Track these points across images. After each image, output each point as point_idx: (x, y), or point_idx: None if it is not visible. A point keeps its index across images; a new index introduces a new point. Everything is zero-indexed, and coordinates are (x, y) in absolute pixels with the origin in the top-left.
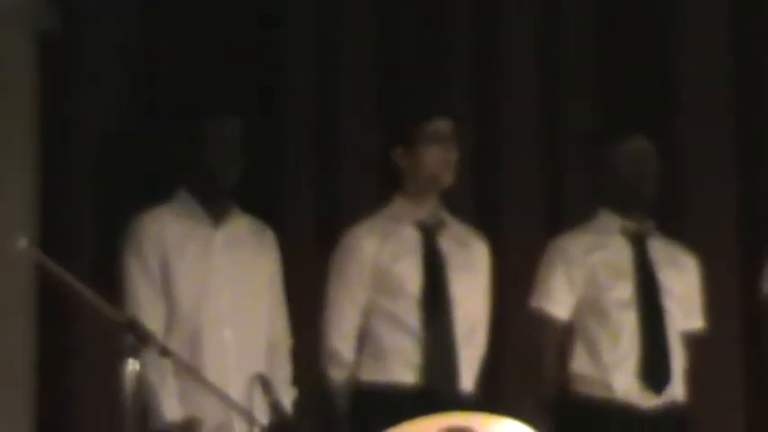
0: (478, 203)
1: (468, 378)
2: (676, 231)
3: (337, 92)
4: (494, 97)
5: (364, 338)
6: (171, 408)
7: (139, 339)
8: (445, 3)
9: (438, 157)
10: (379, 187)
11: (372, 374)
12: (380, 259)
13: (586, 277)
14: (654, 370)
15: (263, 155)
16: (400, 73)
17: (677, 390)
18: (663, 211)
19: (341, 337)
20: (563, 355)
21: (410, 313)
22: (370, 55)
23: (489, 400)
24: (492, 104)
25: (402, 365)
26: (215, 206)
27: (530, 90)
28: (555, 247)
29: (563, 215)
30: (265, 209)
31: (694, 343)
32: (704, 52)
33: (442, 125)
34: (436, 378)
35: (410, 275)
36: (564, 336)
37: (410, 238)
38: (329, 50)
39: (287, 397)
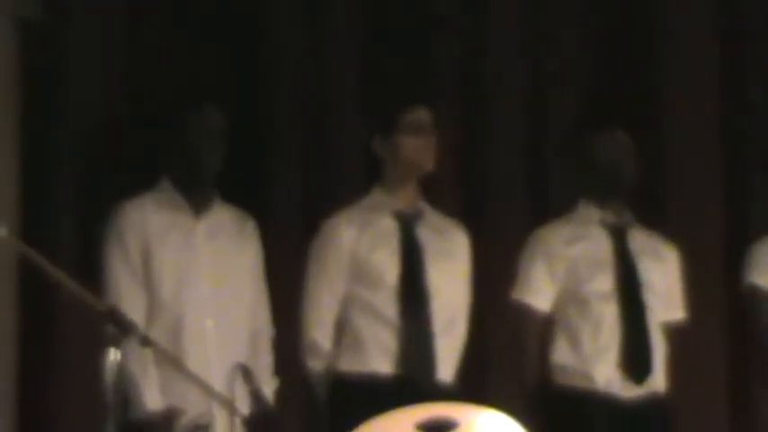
0: (463, 196)
1: (447, 368)
2: (659, 223)
3: (325, 84)
4: (480, 92)
5: (342, 328)
6: (152, 397)
7: (120, 329)
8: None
9: (417, 146)
10: (365, 179)
11: (350, 364)
12: (358, 249)
13: (567, 269)
14: (635, 361)
15: (248, 145)
16: (386, 66)
17: (658, 380)
18: (646, 203)
19: (319, 328)
20: (544, 346)
21: (388, 303)
22: (358, 48)
23: (472, 390)
24: (478, 98)
25: (379, 355)
26: (197, 196)
27: (515, 86)
28: (535, 238)
29: (547, 207)
30: (249, 199)
31: (676, 334)
32: (690, 49)
33: (422, 114)
34: (413, 368)
35: (388, 265)
36: (545, 327)
37: (388, 227)
38: (318, 43)
39: (268, 387)
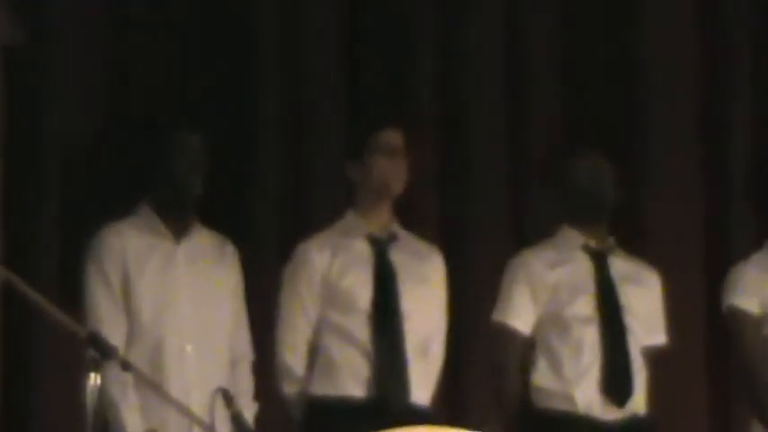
0: (443, 220)
1: (422, 391)
2: (641, 248)
3: (305, 108)
4: (461, 116)
5: (316, 352)
6: (132, 421)
7: (101, 353)
8: (412, 23)
9: (387, 168)
10: (343, 206)
11: (324, 388)
12: (330, 273)
13: (549, 292)
14: (615, 384)
15: (228, 171)
16: (365, 91)
17: (639, 403)
18: (627, 228)
19: (292, 353)
20: (525, 368)
21: (360, 328)
22: (340, 71)
23: (453, 413)
24: (459, 123)
25: (352, 379)
26: (177, 220)
27: (496, 111)
28: (517, 262)
29: (527, 232)
30: (229, 224)
31: (659, 357)
32: (670, 73)
33: (392, 136)
34: (386, 391)
35: (360, 289)
36: (526, 350)
37: (361, 251)
38: (297, 65)
39: (249, 411)
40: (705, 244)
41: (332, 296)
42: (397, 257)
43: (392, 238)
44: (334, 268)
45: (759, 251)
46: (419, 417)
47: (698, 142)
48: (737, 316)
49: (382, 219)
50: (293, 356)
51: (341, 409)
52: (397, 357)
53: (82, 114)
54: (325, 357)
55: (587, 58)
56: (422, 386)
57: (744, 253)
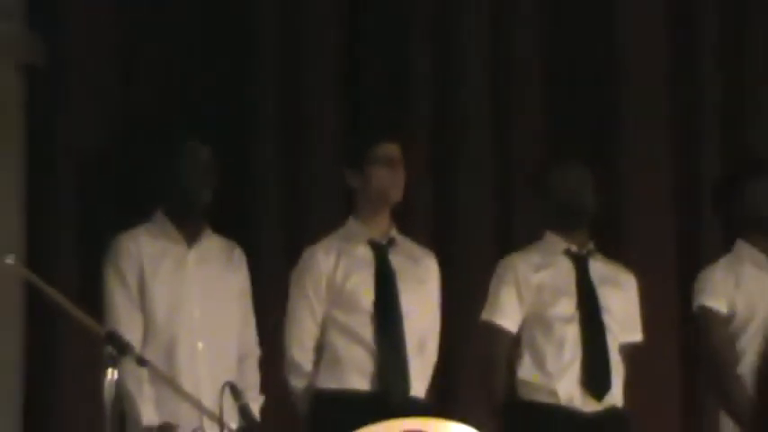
0: (435, 226)
1: (420, 385)
2: (619, 253)
3: (303, 122)
4: (451, 132)
5: (322, 349)
6: (147, 413)
7: (118, 350)
8: (407, 43)
9: (386, 177)
10: (342, 212)
11: (330, 382)
12: (335, 276)
13: (533, 293)
14: (595, 378)
15: (238, 180)
16: (361, 105)
17: (616, 396)
18: (606, 234)
19: (300, 349)
20: (511, 364)
21: (363, 325)
22: (338, 87)
23: (444, 405)
24: (449, 138)
25: (356, 374)
26: (188, 226)
27: (484, 125)
28: (505, 265)
29: (511, 238)
30: (238, 229)
31: (635, 354)
32: (645, 89)
33: (390, 148)
34: (388, 385)
35: (363, 290)
36: (512, 346)
37: (363, 255)
38: (297, 82)
39: (255, 403)
40: (677, 249)
41: (337, 297)
42: (396, 261)
43: (391, 242)
44: (338, 271)
45: (726, 256)
46: (418, 409)
47: (671, 156)
48: (707, 315)
49: (382, 225)
50: (301, 353)
51: (345, 401)
52: (399, 354)
53: (99, 127)
54: (331, 353)
55: (569, 76)
56: (419, 380)
57: (712, 257)
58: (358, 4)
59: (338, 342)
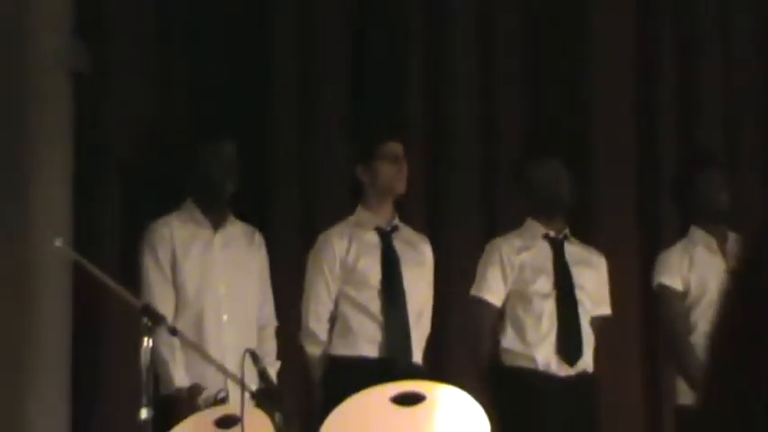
0: (430, 214)
1: (417, 353)
2: (590, 237)
3: (315, 123)
4: (442, 128)
5: (335, 321)
6: (179, 376)
7: (153, 321)
8: (404, 47)
9: (392, 172)
10: (348, 201)
11: (342, 350)
12: (347, 257)
13: (516, 273)
14: (568, 347)
15: (259, 173)
16: (366, 109)
17: (587, 362)
18: (579, 221)
19: (317, 320)
20: (496, 334)
21: (372, 300)
22: (344, 87)
23: (437, 370)
24: (440, 135)
25: (366, 342)
26: (214, 214)
27: (471, 125)
28: (491, 247)
29: (496, 224)
30: (260, 216)
31: (604, 325)
32: (612, 89)
33: (395, 146)
34: (394, 352)
35: (371, 270)
36: (497, 319)
37: (371, 240)
38: (308, 88)
39: (273, 368)
40: (639, 233)
41: (349, 275)
42: (399, 245)
43: (394, 229)
44: (350, 253)
45: (681, 240)
46: (418, 373)
47: (634, 151)
48: (665, 292)
49: (387, 214)
50: (317, 323)
51: (356, 366)
52: (403, 325)
53: (139, 127)
54: (343, 324)
55: (546, 80)
56: (417, 348)
57: (670, 240)
58: (361, 11)
59: (350, 314)
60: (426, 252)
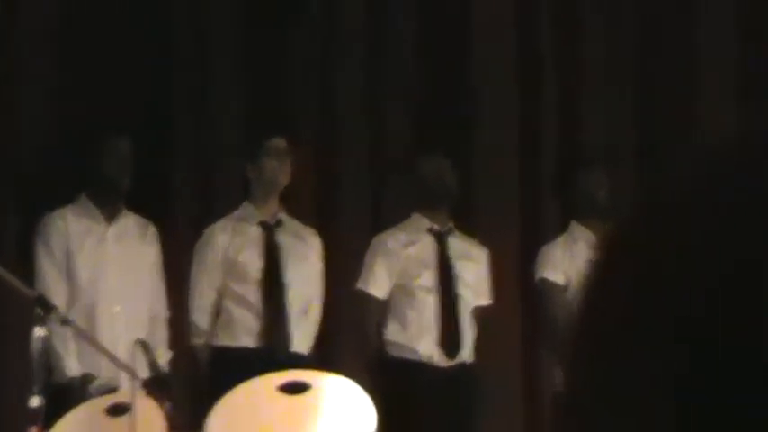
0: (318, 209)
1: (303, 343)
2: (473, 229)
3: (211, 119)
4: (331, 123)
5: (219, 312)
6: (71, 366)
7: (46, 311)
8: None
9: (275, 167)
10: (239, 196)
11: (225, 340)
12: (230, 251)
13: (400, 267)
14: (449, 340)
15: (153, 168)
16: (259, 108)
17: (467, 353)
18: (464, 215)
19: (200, 312)
20: (381, 326)
21: (252, 293)
22: (242, 93)
23: (325, 360)
24: (329, 129)
25: (247, 333)
26: (108, 207)
27: (359, 125)
28: (377, 242)
29: (384, 217)
30: (157, 210)
31: (484, 315)
32: (496, 88)
33: (279, 142)
34: (272, 342)
35: (253, 264)
36: (382, 311)
37: (254, 234)
38: (206, 86)
39: (163, 358)
40: (521, 228)
41: (231, 269)
42: (283, 239)
43: (279, 223)
44: (232, 247)
45: (562, 235)
46: (299, 362)
47: (517, 148)
48: (547, 285)
49: (271, 208)
50: (201, 315)
51: (238, 356)
52: (281, 316)
53: (34, 121)
54: (226, 316)
55: (430, 75)
56: (304, 339)
57: (552, 236)
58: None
59: (231, 306)
60: (315, 246)
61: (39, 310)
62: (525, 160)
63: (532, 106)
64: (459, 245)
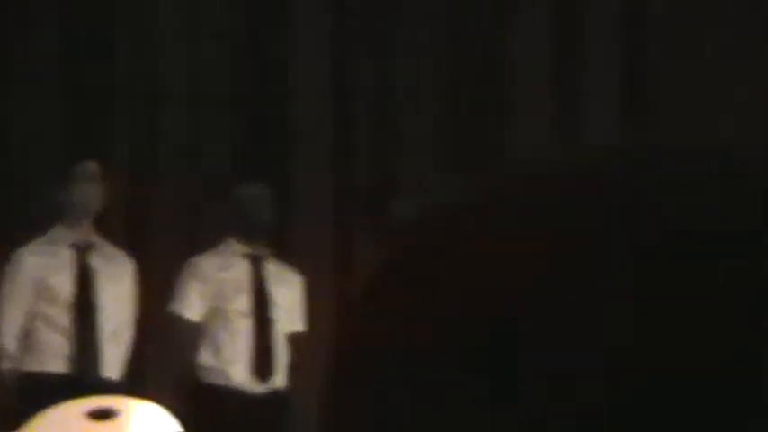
0: (133, 232)
1: (114, 368)
2: (289, 255)
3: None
4: (150, 146)
5: (28, 336)
6: None
7: None
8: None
9: (86, 191)
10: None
11: (32, 365)
12: (39, 273)
13: (214, 290)
14: (261, 365)
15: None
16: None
17: (280, 379)
18: (280, 241)
19: (8, 336)
20: (194, 351)
21: (62, 316)
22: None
23: (134, 385)
24: (145, 153)
25: (56, 357)
26: None
27: (178, 146)
28: (191, 265)
29: (199, 241)
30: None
31: (298, 340)
32: (309, 120)
33: (89, 166)
34: (81, 367)
35: (64, 286)
36: (195, 335)
37: (66, 256)
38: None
39: None
40: (334, 252)
41: (41, 291)
42: (96, 261)
43: (91, 245)
44: (42, 269)
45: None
46: (109, 387)
47: (331, 174)
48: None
49: (84, 230)
50: (9, 339)
51: (45, 382)
52: (92, 339)
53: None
54: (34, 340)
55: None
56: (114, 364)
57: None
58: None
59: (41, 330)
60: (127, 268)
61: None
62: (338, 186)
63: (347, 135)
64: (274, 270)
